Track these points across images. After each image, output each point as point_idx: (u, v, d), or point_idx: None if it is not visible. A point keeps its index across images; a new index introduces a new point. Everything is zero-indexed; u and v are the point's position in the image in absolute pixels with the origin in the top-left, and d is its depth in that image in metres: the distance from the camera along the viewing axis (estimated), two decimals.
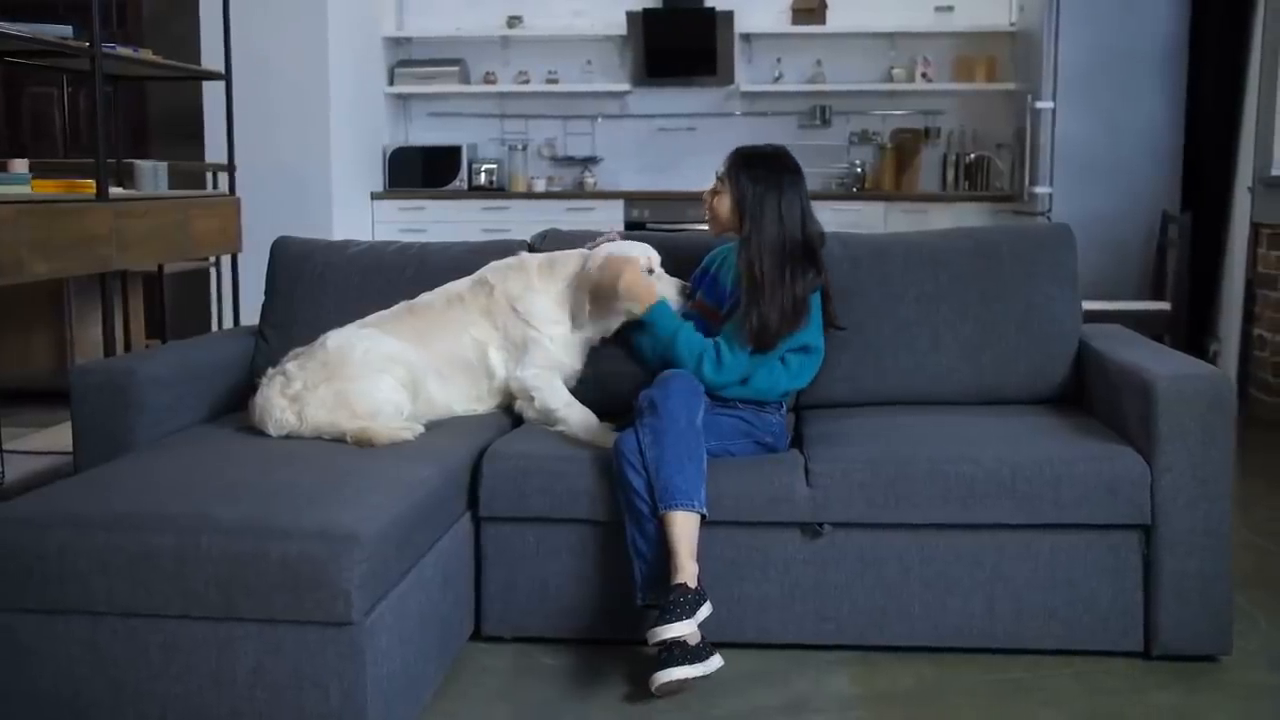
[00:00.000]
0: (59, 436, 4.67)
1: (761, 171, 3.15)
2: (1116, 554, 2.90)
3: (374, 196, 7.64)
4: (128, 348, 5.55)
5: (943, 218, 7.04)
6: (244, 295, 5.57)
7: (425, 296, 3.37)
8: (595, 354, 3.37)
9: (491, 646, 3.02)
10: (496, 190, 7.77)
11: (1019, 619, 2.93)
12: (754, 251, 3.10)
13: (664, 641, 2.66)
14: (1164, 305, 5.86)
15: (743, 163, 3.18)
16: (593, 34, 7.76)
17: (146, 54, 4.91)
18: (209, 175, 6.55)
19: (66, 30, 4.25)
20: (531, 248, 3.65)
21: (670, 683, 2.65)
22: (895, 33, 7.54)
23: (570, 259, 3.37)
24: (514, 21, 7.79)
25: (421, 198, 7.65)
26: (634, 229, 6.89)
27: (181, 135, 7.41)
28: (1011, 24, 7.29)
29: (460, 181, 7.72)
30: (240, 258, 5.56)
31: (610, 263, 3.25)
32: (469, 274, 3.42)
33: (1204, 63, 6.21)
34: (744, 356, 3.10)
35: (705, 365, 3.10)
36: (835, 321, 3.30)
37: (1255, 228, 5.84)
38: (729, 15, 7.49)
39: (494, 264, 3.41)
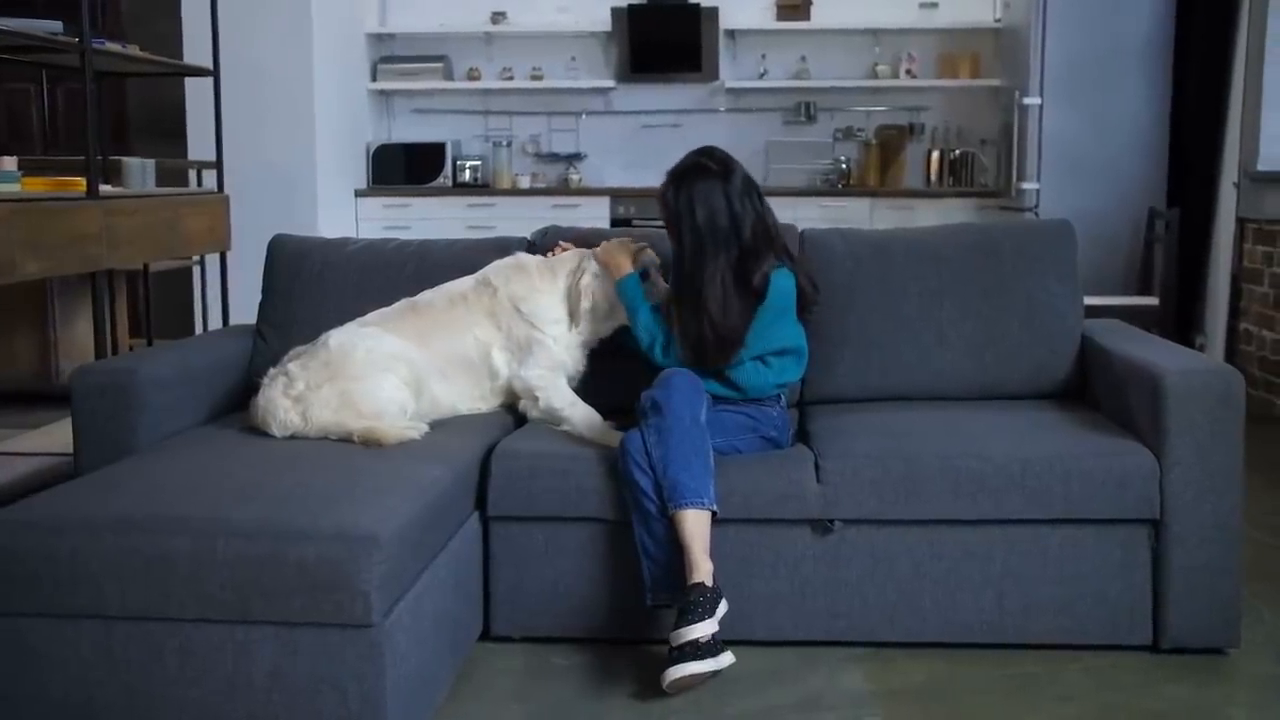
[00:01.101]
0: (49, 438, 4.61)
1: (679, 186, 3.08)
2: (1125, 548, 2.92)
3: (358, 194, 7.58)
4: (114, 348, 5.49)
5: (928, 214, 7.04)
6: (231, 293, 5.52)
7: (426, 295, 3.35)
8: (596, 354, 3.36)
9: (501, 647, 3.00)
10: (481, 187, 7.72)
11: (1029, 614, 2.93)
12: (680, 281, 3.07)
13: (684, 643, 2.65)
14: (1151, 300, 5.90)
15: (665, 183, 3.13)
16: (577, 30, 7.72)
17: (135, 50, 4.85)
18: (193, 173, 6.47)
19: (56, 26, 4.19)
20: (532, 245, 3.63)
21: (682, 679, 2.64)
22: (879, 29, 7.54)
23: (568, 259, 3.36)
24: (498, 18, 7.75)
25: (406, 195, 7.59)
26: (619, 226, 6.91)
27: (160, 132, 7.34)
28: (996, 20, 7.31)
29: (444, 178, 7.66)
30: (227, 255, 5.50)
31: (607, 246, 3.30)
32: (469, 272, 3.40)
33: (1190, 59, 6.24)
34: (684, 366, 3.07)
35: (656, 348, 3.14)
36: (812, 301, 3.21)
37: (1241, 223, 5.89)
38: (714, 11, 7.47)
39: (495, 264, 3.39)
